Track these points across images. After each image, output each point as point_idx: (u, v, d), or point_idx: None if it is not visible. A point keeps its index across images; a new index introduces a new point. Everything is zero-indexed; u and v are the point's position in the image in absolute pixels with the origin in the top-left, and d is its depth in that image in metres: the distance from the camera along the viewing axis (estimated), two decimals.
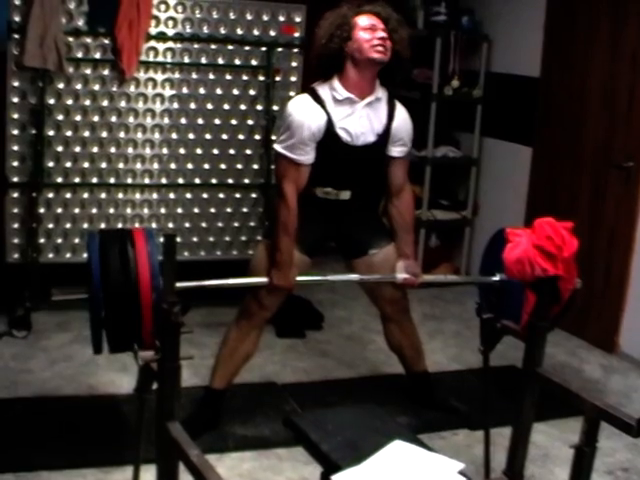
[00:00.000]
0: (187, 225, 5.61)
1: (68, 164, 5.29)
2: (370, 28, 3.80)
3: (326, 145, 3.84)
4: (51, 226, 5.33)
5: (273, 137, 5.28)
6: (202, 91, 5.46)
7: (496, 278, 3.34)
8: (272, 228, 3.97)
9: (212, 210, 5.65)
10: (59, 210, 5.33)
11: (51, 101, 5.16)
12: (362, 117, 3.89)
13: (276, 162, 4.01)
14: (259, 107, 5.58)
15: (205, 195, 5.62)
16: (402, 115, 4.04)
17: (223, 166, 5.60)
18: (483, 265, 3.59)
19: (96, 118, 5.28)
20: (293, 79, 5.56)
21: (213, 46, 5.43)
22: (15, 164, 5.19)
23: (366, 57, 3.78)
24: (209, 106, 5.49)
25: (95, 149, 5.32)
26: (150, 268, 2.76)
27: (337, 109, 3.85)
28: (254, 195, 5.71)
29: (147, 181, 5.48)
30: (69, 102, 5.21)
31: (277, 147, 3.89)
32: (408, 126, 4.07)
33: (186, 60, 5.40)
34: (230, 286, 3.46)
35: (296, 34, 5.54)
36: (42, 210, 5.27)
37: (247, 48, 5.50)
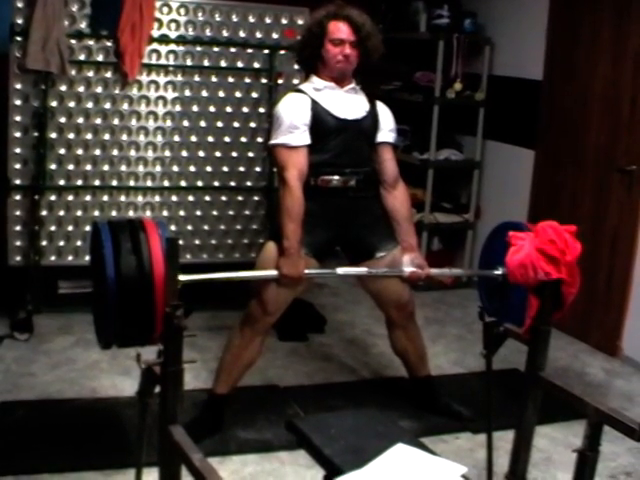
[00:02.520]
0: (189, 228, 5.61)
1: (70, 167, 5.29)
2: (338, 44, 3.97)
3: (320, 125, 3.93)
4: (53, 229, 5.33)
5: None
6: (204, 94, 5.47)
7: (498, 272, 3.34)
8: (275, 229, 3.97)
9: (214, 213, 5.65)
10: (61, 213, 5.33)
11: (53, 104, 5.17)
12: (345, 99, 4.03)
13: (274, 157, 4.05)
14: (262, 110, 5.59)
15: (207, 198, 5.62)
16: (384, 106, 4.21)
17: (225, 169, 5.60)
18: (482, 259, 3.58)
19: (98, 121, 5.28)
20: (295, 82, 5.55)
21: (216, 49, 5.44)
22: (17, 167, 5.19)
23: (331, 68, 4.00)
24: (211, 109, 5.50)
25: (97, 152, 5.32)
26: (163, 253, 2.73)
27: (319, 95, 3.99)
28: (257, 198, 5.71)
29: (149, 184, 5.48)
30: (71, 105, 5.21)
31: (271, 142, 3.99)
32: (391, 116, 4.21)
33: (189, 63, 5.40)
34: (239, 279, 3.46)
35: (299, 37, 5.53)
36: (44, 213, 5.28)
37: (250, 51, 5.51)
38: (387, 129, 4.14)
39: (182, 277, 2.71)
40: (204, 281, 3.08)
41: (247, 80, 5.55)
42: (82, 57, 5.17)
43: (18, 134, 5.15)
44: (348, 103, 4.01)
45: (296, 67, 5.48)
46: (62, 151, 5.25)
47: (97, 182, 5.36)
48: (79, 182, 5.33)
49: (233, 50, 5.48)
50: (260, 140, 5.61)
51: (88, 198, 5.37)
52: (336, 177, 3.98)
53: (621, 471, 4.00)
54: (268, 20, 5.52)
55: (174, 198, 5.55)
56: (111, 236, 2.77)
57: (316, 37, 4.00)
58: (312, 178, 3.93)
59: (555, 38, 5.98)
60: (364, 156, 4.07)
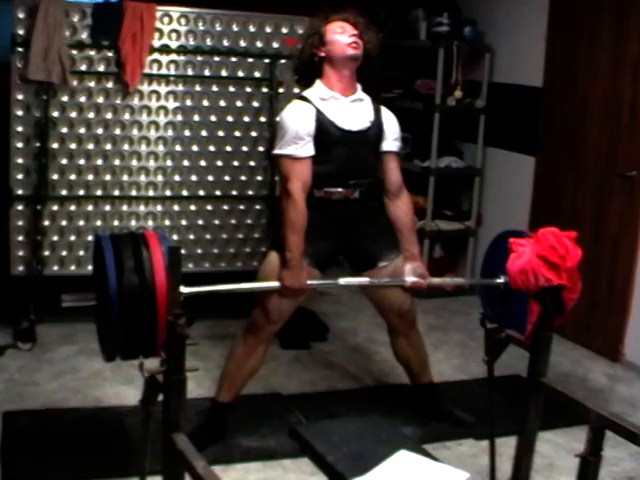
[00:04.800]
0: (191, 237, 5.62)
1: (72, 177, 5.30)
2: (341, 30, 3.98)
3: (324, 137, 3.89)
4: (56, 238, 5.34)
5: None
6: (206, 103, 5.48)
7: (501, 280, 3.35)
8: (278, 239, 3.97)
9: (216, 222, 5.66)
10: (63, 222, 5.34)
11: (55, 114, 5.18)
12: (350, 110, 3.99)
13: (277, 167, 4.07)
14: (262, 119, 5.60)
15: (209, 207, 5.63)
16: (389, 114, 4.18)
17: (227, 178, 5.62)
18: (484, 268, 3.59)
19: (100, 131, 5.30)
20: (296, 91, 5.56)
21: (216, 58, 5.46)
22: (20, 177, 5.20)
23: (342, 55, 3.95)
24: (213, 118, 5.51)
25: (99, 161, 5.33)
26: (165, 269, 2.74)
27: (324, 105, 3.94)
28: (258, 207, 5.73)
29: (151, 193, 5.49)
30: (73, 115, 5.23)
31: (275, 151, 3.96)
32: (397, 124, 4.18)
33: (189, 72, 5.42)
34: (241, 291, 3.46)
35: (299, 46, 5.54)
36: (47, 222, 5.29)
37: (250, 60, 5.53)
38: (392, 138, 4.12)
39: (184, 289, 2.72)
40: (206, 293, 3.08)
41: (248, 89, 5.57)
42: (83, 67, 5.19)
43: (20, 144, 5.17)
44: (353, 114, 3.98)
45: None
46: (64, 161, 5.26)
47: (99, 192, 5.37)
48: (81, 192, 5.34)
49: (234, 59, 5.49)
50: (261, 149, 5.63)
51: (90, 208, 5.38)
52: (339, 189, 3.96)
53: (624, 476, 4.00)
54: (268, 29, 5.53)
55: (176, 207, 5.56)
56: (113, 251, 2.78)
57: (316, 40, 3.99)
58: (315, 189, 3.91)
59: (555, 45, 5.99)
60: (368, 167, 4.05)
